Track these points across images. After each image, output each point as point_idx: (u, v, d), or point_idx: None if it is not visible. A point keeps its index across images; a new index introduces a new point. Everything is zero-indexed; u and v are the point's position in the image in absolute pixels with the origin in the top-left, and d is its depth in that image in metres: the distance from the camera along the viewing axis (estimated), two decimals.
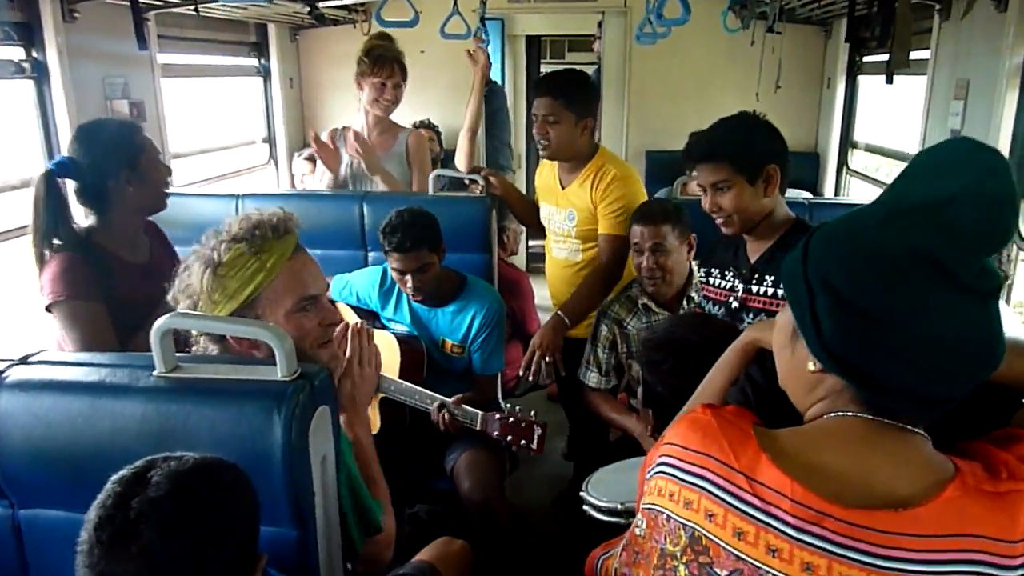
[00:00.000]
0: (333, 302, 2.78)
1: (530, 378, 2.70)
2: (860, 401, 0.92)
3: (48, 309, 2.05)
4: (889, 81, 2.29)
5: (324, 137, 3.34)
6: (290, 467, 1.20)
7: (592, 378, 2.66)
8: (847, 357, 0.89)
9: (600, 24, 5.80)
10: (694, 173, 3.94)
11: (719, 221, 2.01)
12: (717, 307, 2.15)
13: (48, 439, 1.25)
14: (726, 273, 2.13)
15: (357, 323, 1.74)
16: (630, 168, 2.86)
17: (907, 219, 0.86)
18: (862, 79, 4.34)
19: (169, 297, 1.47)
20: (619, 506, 1.73)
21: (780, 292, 1.96)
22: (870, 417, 0.91)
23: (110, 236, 2.15)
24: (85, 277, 2.05)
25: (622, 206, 2.69)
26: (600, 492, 1.81)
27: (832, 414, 0.94)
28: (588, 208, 2.76)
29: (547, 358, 2.64)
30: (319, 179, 3.32)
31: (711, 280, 2.20)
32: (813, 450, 0.92)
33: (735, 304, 2.07)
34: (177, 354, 1.32)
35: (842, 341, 0.89)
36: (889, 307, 0.86)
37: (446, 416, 2.39)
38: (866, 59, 4.23)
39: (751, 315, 2.04)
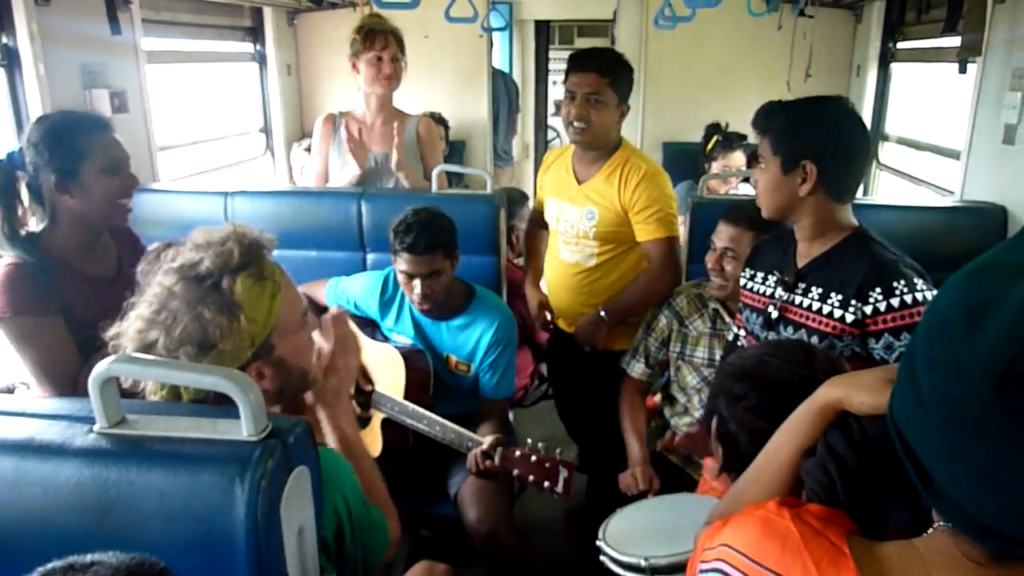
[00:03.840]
0: (326, 308, 2.58)
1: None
2: None
3: None
4: (962, 70, 2.04)
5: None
6: (257, 547, 0.98)
7: (637, 368, 2.52)
8: None
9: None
10: (714, 168, 3.78)
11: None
12: (755, 315, 1.92)
13: None
14: (768, 277, 1.90)
15: (334, 309, 1.59)
16: (656, 165, 2.62)
17: None
18: (895, 67, 4.07)
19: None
20: (643, 562, 1.51)
21: (825, 308, 1.73)
22: None
23: (59, 244, 1.88)
24: (36, 288, 1.78)
25: (658, 208, 2.47)
26: (621, 543, 1.60)
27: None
28: (614, 208, 2.51)
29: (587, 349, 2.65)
30: (337, 174, 3.07)
31: (752, 285, 1.96)
32: None
33: (774, 314, 1.85)
34: (128, 400, 1.10)
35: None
36: None
37: (484, 463, 2.14)
38: (901, 45, 3.95)
39: (790, 328, 1.81)
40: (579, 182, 2.60)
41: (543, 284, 2.88)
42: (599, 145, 2.54)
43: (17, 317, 1.77)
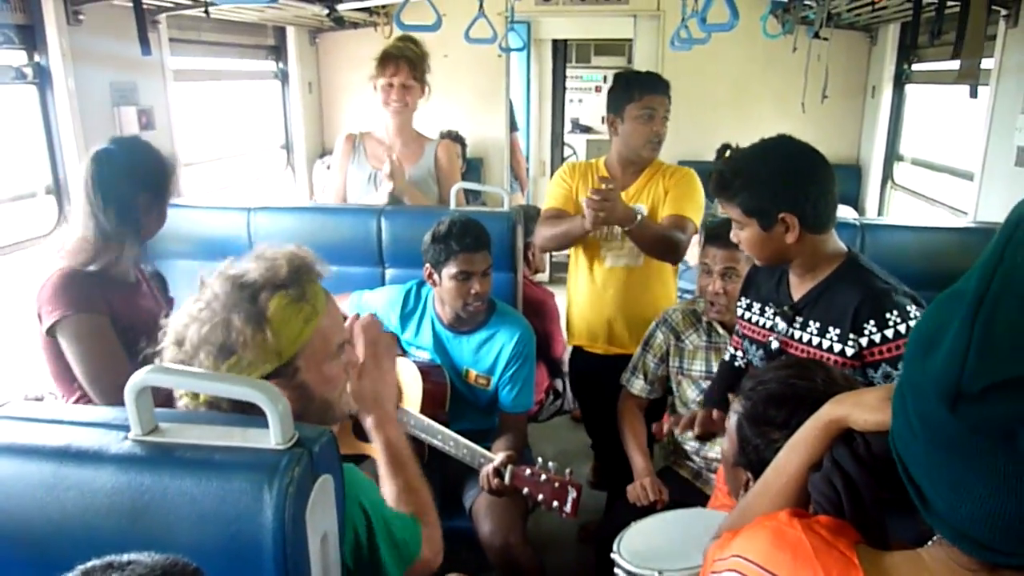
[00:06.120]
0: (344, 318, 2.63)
1: None
2: None
3: (50, 332, 1.86)
4: (973, 95, 2.06)
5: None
6: (284, 552, 1.02)
7: (636, 385, 2.57)
8: None
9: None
10: None
11: None
12: (756, 348, 1.92)
13: (4, 512, 1.07)
14: (766, 309, 1.89)
15: (366, 316, 1.58)
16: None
17: None
18: (909, 88, 4.10)
19: (168, 354, 1.25)
20: (656, 575, 1.54)
21: (824, 343, 1.72)
22: None
23: (100, 256, 1.95)
24: (90, 290, 1.88)
25: (689, 197, 2.71)
26: (635, 556, 1.62)
27: None
28: (656, 196, 2.73)
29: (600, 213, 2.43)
30: (360, 193, 3.10)
31: (750, 316, 1.95)
32: None
33: (775, 346, 1.83)
34: (160, 409, 1.14)
35: None
36: None
37: (495, 480, 2.14)
38: (915, 67, 3.98)
39: None
40: (621, 188, 2.76)
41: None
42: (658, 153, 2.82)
43: (79, 314, 1.85)
